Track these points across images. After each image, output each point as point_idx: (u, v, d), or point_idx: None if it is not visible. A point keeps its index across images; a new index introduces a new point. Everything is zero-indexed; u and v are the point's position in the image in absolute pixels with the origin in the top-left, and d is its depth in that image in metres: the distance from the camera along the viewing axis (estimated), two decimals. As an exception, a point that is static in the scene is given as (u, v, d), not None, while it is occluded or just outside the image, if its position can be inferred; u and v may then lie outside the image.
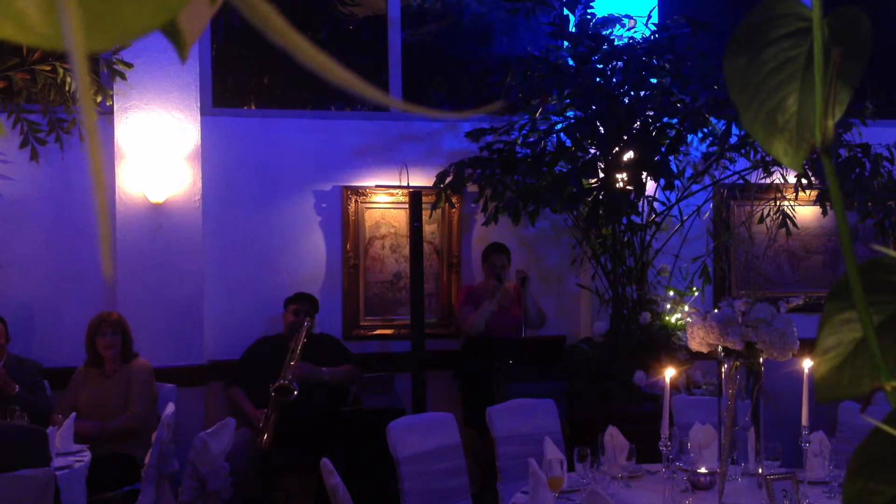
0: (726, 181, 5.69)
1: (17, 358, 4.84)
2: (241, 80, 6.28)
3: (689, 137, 5.26)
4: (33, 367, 4.88)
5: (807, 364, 3.32)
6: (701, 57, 5.09)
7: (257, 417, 5.12)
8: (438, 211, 5.80)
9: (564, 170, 5.12)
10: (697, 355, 3.76)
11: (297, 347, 5.20)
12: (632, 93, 5.13)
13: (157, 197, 5.32)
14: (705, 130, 5.27)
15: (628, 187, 4.96)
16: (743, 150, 5.40)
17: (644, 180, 5.00)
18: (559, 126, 5.27)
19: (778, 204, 5.75)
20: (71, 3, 0.34)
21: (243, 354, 5.49)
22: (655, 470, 3.57)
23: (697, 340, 3.29)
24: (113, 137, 5.28)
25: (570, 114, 5.29)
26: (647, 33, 5.30)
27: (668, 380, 3.47)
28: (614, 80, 5.15)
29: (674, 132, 5.10)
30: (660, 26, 5.35)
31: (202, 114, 5.48)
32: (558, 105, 5.31)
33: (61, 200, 5.42)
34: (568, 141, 5.16)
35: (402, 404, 5.32)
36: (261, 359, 5.34)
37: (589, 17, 5.24)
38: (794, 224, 5.70)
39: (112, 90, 5.29)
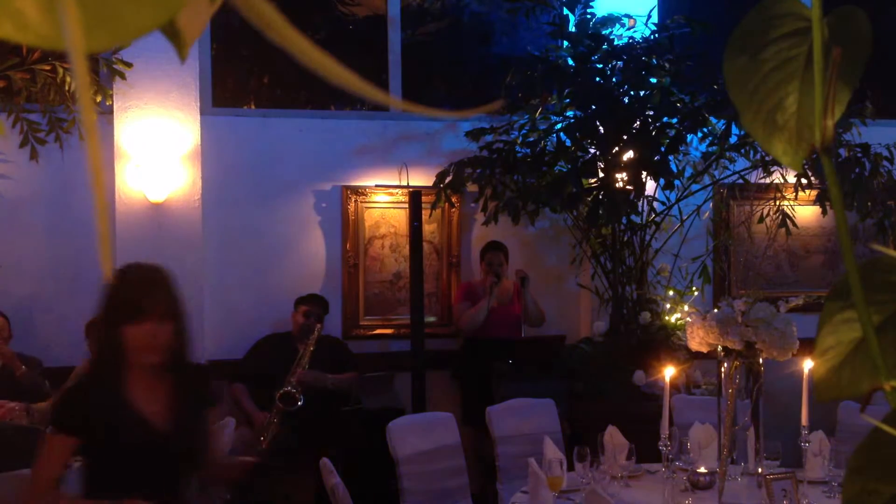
0: (726, 181, 5.69)
1: (17, 355, 4.84)
2: (240, 80, 6.28)
3: (689, 137, 5.26)
4: (34, 364, 4.89)
5: (806, 364, 3.32)
6: (701, 57, 5.09)
7: (259, 421, 5.10)
8: (438, 211, 5.80)
9: (564, 170, 5.12)
10: (697, 355, 3.76)
11: (306, 354, 5.17)
12: (632, 92, 5.13)
13: (156, 197, 5.32)
14: (705, 130, 5.27)
15: (628, 187, 4.96)
16: (743, 150, 5.40)
17: (644, 180, 5.00)
18: (559, 126, 5.27)
19: (778, 204, 5.75)
20: (70, 2, 0.34)
21: (249, 351, 5.49)
22: (655, 470, 3.57)
23: (697, 340, 3.29)
24: (113, 137, 5.28)
25: (569, 113, 5.29)
26: (647, 33, 5.30)
27: (667, 379, 3.47)
28: (614, 79, 5.15)
29: (673, 132, 5.10)
30: (660, 26, 5.35)
31: (202, 113, 5.48)
32: (558, 105, 5.31)
33: (61, 200, 5.42)
34: (568, 141, 5.16)
35: (402, 404, 5.32)
36: (266, 357, 5.34)
37: (589, 16, 5.24)
38: (794, 224, 5.70)
39: (112, 90, 5.29)
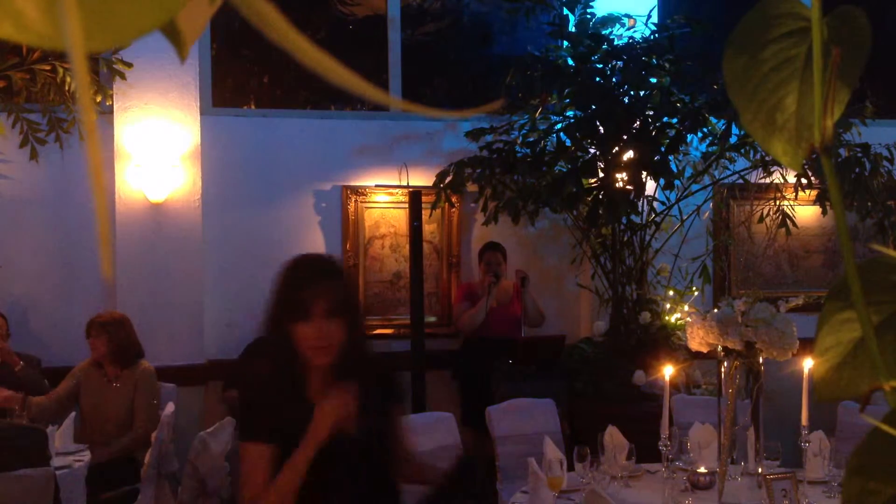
0: (726, 181, 5.69)
1: (17, 355, 4.85)
2: (241, 79, 6.28)
3: (689, 137, 5.26)
4: (33, 362, 4.90)
5: (806, 364, 3.32)
6: (701, 57, 5.10)
7: None
8: (438, 211, 5.80)
9: (564, 169, 5.12)
10: (697, 355, 3.76)
11: None
12: (631, 92, 5.14)
13: (157, 196, 5.32)
14: (705, 130, 5.28)
15: (628, 187, 4.96)
16: (743, 150, 5.40)
17: (644, 180, 5.00)
18: (559, 126, 5.28)
19: (778, 204, 5.76)
20: (70, 2, 0.34)
21: (241, 355, 5.46)
22: (655, 470, 3.57)
23: (697, 340, 3.29)
24: (113, 137, 5.29)
25: (569, 113, 5.29)
26: (647, 33, 5.31)
27: (667, 379, 3.47)
28: (614, 79, 5.15)
29: (673, 132, 5.10)
30: (660, 26, 5.35)
31: (202, 113, 5.49)
32: (558, 105, 5.31)
33: (61, 200, 5.42)
34: (568, 141, 5.16)
35: (402, 404, 5.31)
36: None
37: (588, 16, 5.24)
38: (794, 224, 5.70)
39: (112, 90, 5.29)
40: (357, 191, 5.85)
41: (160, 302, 5.32)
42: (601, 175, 5.09)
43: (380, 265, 5.91)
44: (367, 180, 5.88)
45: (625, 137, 4.98)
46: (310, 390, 2.17)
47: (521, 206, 5.23)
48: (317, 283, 2.12)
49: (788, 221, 5.66)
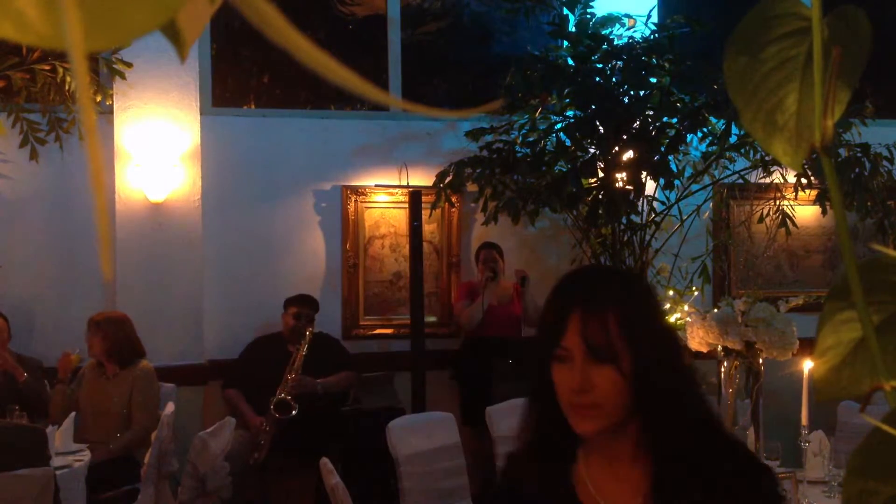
0: (726, 181, 5.69)
1: (17, 356, 4.85)
2: (240, 79, 6.28)
3: (689, 137, 5.26)
4: (34, 364, 4.90)
5: (806, 364, 3.32)
6: (701, 57, 5.10)
7: (256, 426, 5.08)
8: (438, 210, 5.80)
9: (564, 169, 5.12)
10: (697, 355, 3.76)
11: (297, 359, 5.14)
12: (631, 92, 5.13)
13: (156, 196, 5.32)
14: (705, 130, 5.27)
15: (628, 187, 4.96)
16: (742, 150, 5.40)
17: (644, 180, 5.00)
18: (559, 126, 5.27)
19: (777, 203, 5.75)
20: (70, 2, 0.34)
21: (240, 356, 5.46)
22: (655, 470, 3.57)
23: (697, 340, 3.29)
24: (112, 137, 5.29)
25: (569, 113, 5.29)
26: (647, 33, 5.31)
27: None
28: (614, 79, 5.15)
29: (673, 131, 5.10)
30: (660, 26, 5.35)
31: (202, 113, 5.49)
32: (558, 105, 5.31)
33: (61, 200, 5.42)
34: (568, 141, 5.16)
35: (402, 404, 5.32)
36: (259, 361, 5.31)
37: (588, 16, 5.24)
38: (794, 224, 5.70)
39: (111, 90, 5.29)
40: (357, 191, 5.85)
41: (160, 302, 5.32)
42: (601, 175, 5.09)
43: (380, 265, 5.91)
44: (366, 180, 5.88)
45: (625, 137, 4.98)
46: (580, 472, 1.45)
47: (521, 206, 5.23)
48: (577, 308, 1.35)
49: (788, 221, 5.66)
